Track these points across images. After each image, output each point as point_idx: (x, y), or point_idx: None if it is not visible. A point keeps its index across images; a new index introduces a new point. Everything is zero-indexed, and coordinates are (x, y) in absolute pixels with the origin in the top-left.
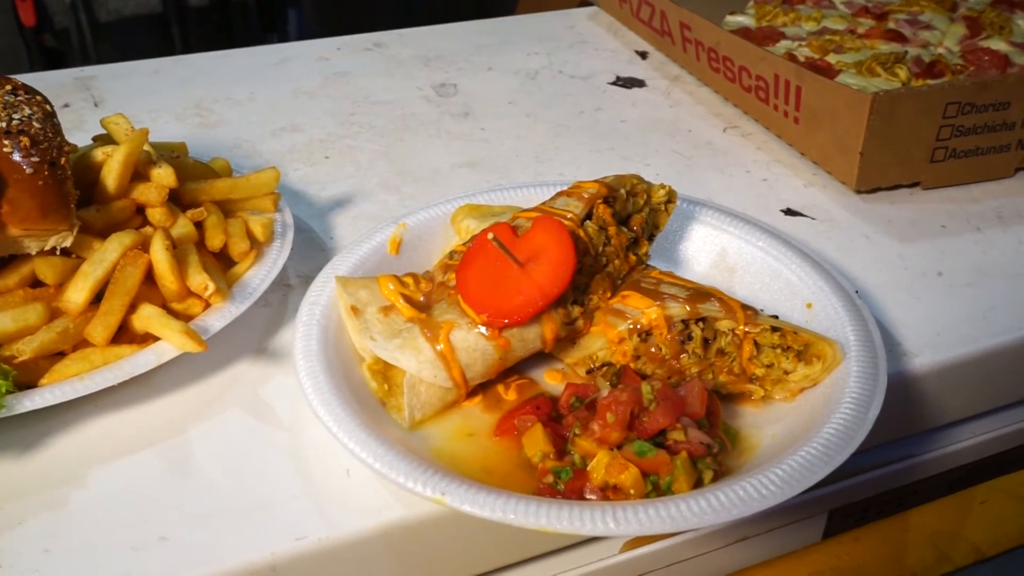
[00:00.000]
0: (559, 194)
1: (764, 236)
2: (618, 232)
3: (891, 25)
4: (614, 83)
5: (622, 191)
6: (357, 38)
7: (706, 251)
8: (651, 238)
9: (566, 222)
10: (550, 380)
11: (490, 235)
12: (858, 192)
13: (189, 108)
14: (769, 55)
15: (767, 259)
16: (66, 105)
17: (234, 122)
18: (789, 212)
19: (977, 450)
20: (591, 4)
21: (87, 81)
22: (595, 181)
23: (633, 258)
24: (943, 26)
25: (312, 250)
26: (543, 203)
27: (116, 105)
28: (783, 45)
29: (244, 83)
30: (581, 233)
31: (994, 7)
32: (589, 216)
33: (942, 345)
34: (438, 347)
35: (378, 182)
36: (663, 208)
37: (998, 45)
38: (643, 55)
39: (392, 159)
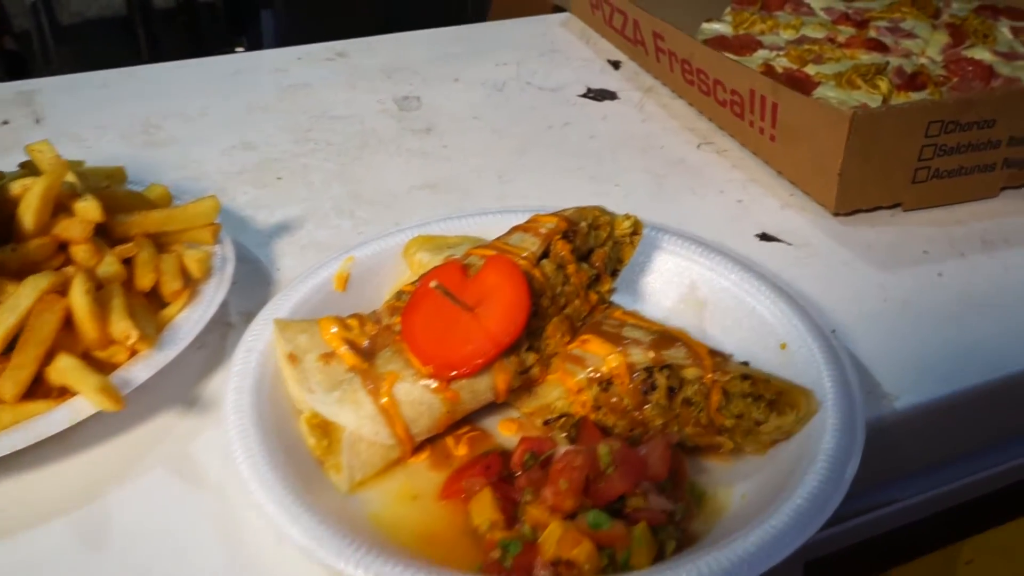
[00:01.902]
0: (515, 228)
1: (736, 269)
2: (578, 270)
3: (872, 33)
4: (585, 95)
5: (583, 224)
6: (319, 47)
7: (675, 284)
8: (615, 273)
9: (520, 261)
10: (505, 431)
11: (433, 283)
12: (837, 215)
13: (136, 125)
14: (744, 68)
15: (739, 294)
16: (5, 122)
17: (183, 140)
18: (764, 237)
19: (961, 493)
20: (564, 10)
21: (30, 95)
22: (553, 214)
23: (595, 297)
24: (925, 34)
25: (256, 283)
26: (498, 238)
27: (59, 122)
28: (760, 55)
29: (197, 97)
30: (536, 273)
31: (978, 14)
32: (546, 254)
33: (923, 385)
34: (380, 401)
35: (331, 206)
36: (628, 240)
37: (982, 55)
38: (616, 65)
39: (348, 180)
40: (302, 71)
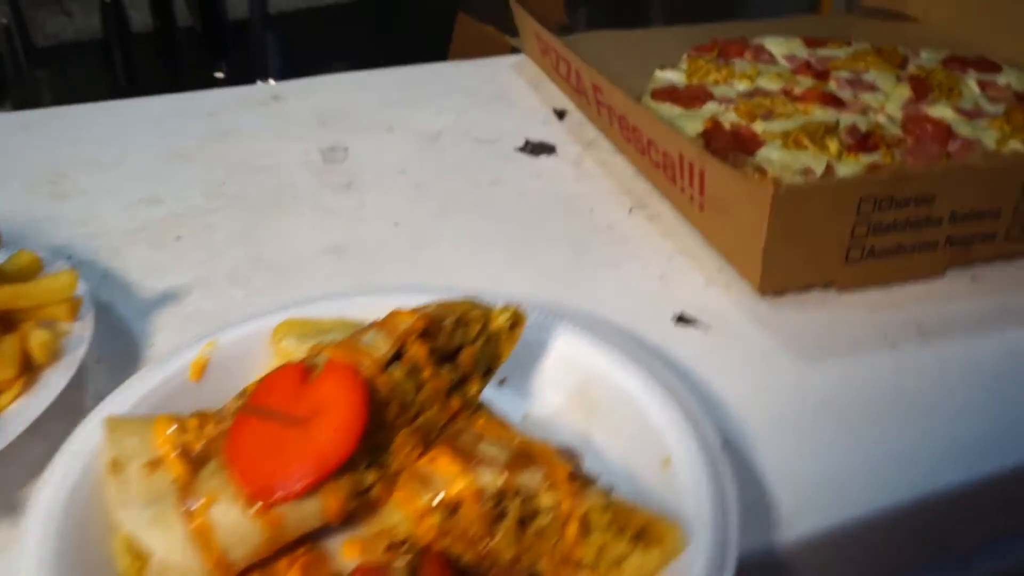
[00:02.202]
0: (372, 324)
1: (632, 366)
2: (435, 374)
3: (832, 85)
4: (522, 148)
5: (447, 321)
6: (255, 89)
7: (568, 380)
8: (489, 372)
9: (365, 367)
10: (347, 555)
11: (238, 403)
12: (763, 294)
13: (45, 174)
14: (672, 131)
15: (630, 396)
16: None
17: (89, 192)
18: (681, 319)
19: None
20: (519, 51)
21: None
22: (413, 311)
23: (457, 403)
24: (888, 87)
25: (124, 363)
26: (351, 335)
27: None
28: (708, 109)
29: (116, 142)
30: (382, 381)
31: (945, 66)
32: (400, 356)
33: (829, 506)
34: (192, 524)
35: (228, 271)
36: (506, 335)
37: (943, 112)
38: (561, 114)
39: (252, 241)
40: (232, 116)
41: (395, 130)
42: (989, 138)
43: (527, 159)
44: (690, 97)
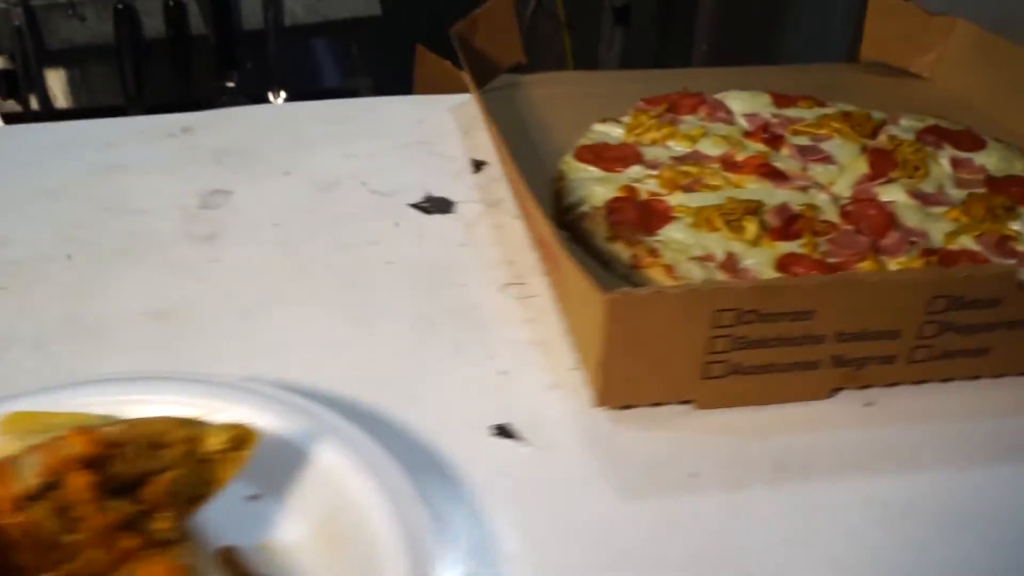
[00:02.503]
0: (37, 446)
1: (385, 501)
2: (100, 510)
3: (784, 152)
4: (417, 204)
5: (132, 446)
6: (166, 119)
7: (320, 505)
8: (197, 500)
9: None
10: None
11: None
12: (606, 408)
13: None
14: (536, 211)
15: (374, 539)
16: None
17: None
18: (500, 432)
19: None
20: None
21: None
22: (89, 430)
23: (134, 541)
24: (847, 159)
25: None
26: (7, 458)
27: None
28: (631, 173)
29: None
30: (18, 519)
31: (920, 138)
32: (57, 486)
33: None
34: None
35: (35, 333)
36: (224, 458)
37: (895, 194)
38: (479, 165)
39: (77, 298)
40: (130, 149)
41: (292, 174)
42: (938, 230)
43: (418, 217)
44: (616, 158)
